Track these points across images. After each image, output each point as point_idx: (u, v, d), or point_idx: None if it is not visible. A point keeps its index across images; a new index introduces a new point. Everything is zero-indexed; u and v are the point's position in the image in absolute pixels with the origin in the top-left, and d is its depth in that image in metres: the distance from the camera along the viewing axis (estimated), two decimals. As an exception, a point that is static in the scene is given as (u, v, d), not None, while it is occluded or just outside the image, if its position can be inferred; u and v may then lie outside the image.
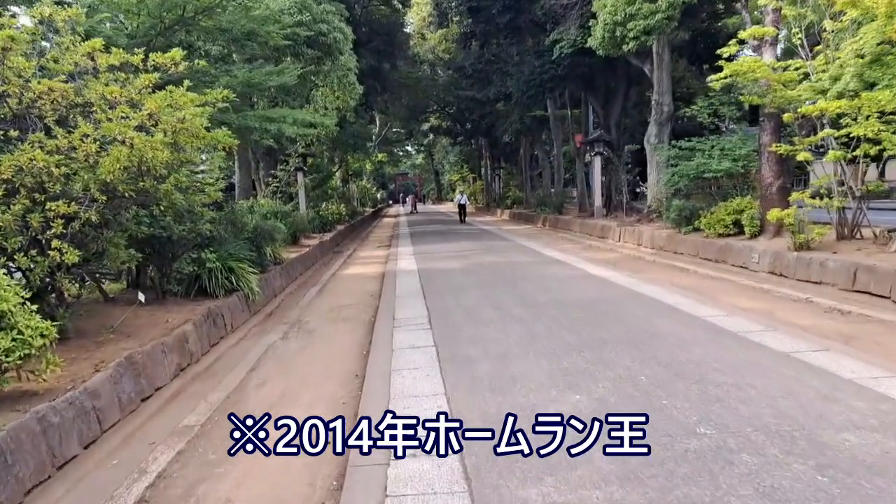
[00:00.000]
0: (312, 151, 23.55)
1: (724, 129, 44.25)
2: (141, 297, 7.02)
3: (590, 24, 17.25)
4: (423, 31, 44.91)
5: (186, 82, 6.21)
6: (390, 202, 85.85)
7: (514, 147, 47.58)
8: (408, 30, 41.17)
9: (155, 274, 8.51)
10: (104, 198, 5.10)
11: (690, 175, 14.75)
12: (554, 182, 33.41)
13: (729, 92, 43.76)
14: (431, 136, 63.81)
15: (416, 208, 62.94)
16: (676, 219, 15.11)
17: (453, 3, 30.85)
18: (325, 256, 17.67)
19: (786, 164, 12.81)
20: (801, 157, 10.89)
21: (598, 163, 23.45)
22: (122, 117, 5.17)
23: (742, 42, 12.56)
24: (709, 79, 12.67)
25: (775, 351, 6.15)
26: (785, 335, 6.75)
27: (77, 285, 6.24)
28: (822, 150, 12.17)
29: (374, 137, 58.45)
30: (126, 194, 5.39)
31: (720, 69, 22.10)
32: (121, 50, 5.57)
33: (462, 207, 34.75)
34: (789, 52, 16.25)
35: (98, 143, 5.06)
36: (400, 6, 33.26)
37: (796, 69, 11.74)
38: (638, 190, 23.70)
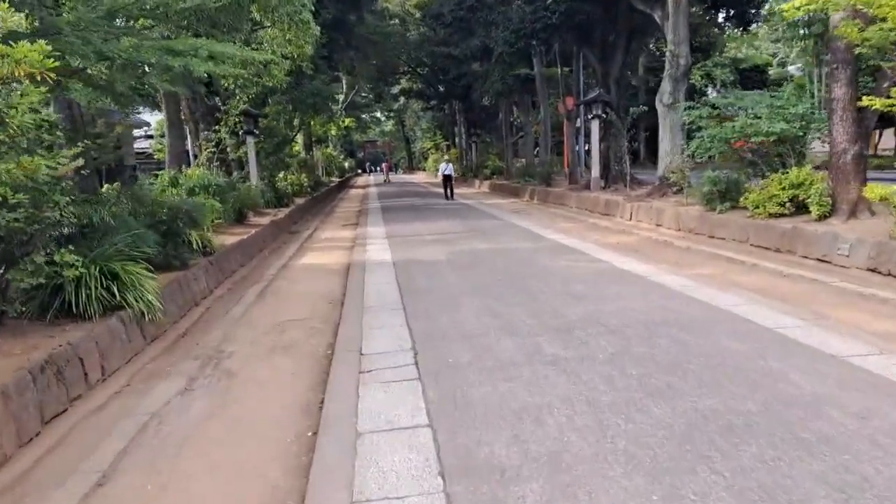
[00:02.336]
0: (263, 112, 20.20)
1: (714, 93, 41.50)
2: None
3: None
4: (392, -17, 41.24)
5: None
6: (359, 171, 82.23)
7: (492, 112, 44.46)
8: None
9: (-20, 288, 5.40)
10: None
11: (733, 138, 11.89)
12: (538, 150, 30.44)
13: (721, 52, 40.20)
14: (402, 100, 60.28)
15: (388, 177, 59.78)
16: (708, 194, 12.30)
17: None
18: (278, 239, 14.55)
19: (864, 125, 10.03)
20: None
21: (595, 127, 20.53)
22: None
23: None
24: (778, 7, 9.70)
25: None
26: None
27: None
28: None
29: (340, 101, 54.75)
30: None
31: (742, 15, 19.30)
32: None
33: (448, 179, 26.96)
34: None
35: None
36: (367, -51, 29.66)
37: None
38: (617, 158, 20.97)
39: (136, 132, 37.70)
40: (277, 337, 6.53)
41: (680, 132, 16.52)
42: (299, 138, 40.93)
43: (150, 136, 36.06)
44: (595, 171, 20.77)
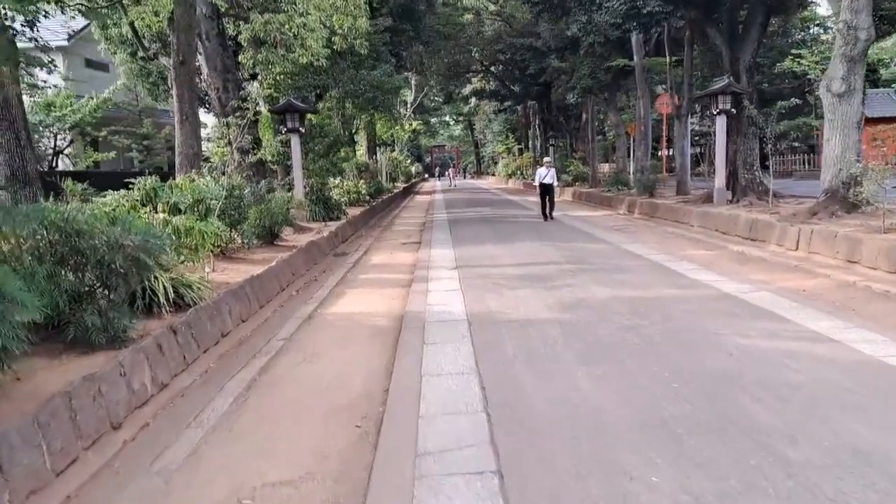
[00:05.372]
0: (314, 107, 16.85)
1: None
2: None
3: None
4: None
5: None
6: (426, 176, 79.30)
7: (572, 113, 40.35)
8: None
9: None
10: None
11: None
12: (634, 155, 26.19)
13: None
14: (473, 100, 56.69)
15: (455, 183, 56.67)
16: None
17: None
18: (315, 267, 11.04)
19: None
20: None
21: (722, 124, 16.33)
22: None
23: None
24: None
25: None
26: None
27: None
28: None
29: (408, 102, 51.65)
30: None
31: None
32: None
33: (547, 191, 18.45)
34: None
35: None
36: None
37: None
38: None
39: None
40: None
41: (856, 130, 12.23)
42: (362, 141, 37.88)
43: (209, 139, 33.71)
44: (720, 179, 16.52)
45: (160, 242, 5.33)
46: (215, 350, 6.08)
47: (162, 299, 5.97)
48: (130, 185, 7.15)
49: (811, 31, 42.29)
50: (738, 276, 8.91)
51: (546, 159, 19.59)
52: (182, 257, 7.31)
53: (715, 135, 17.00)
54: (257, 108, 12.15)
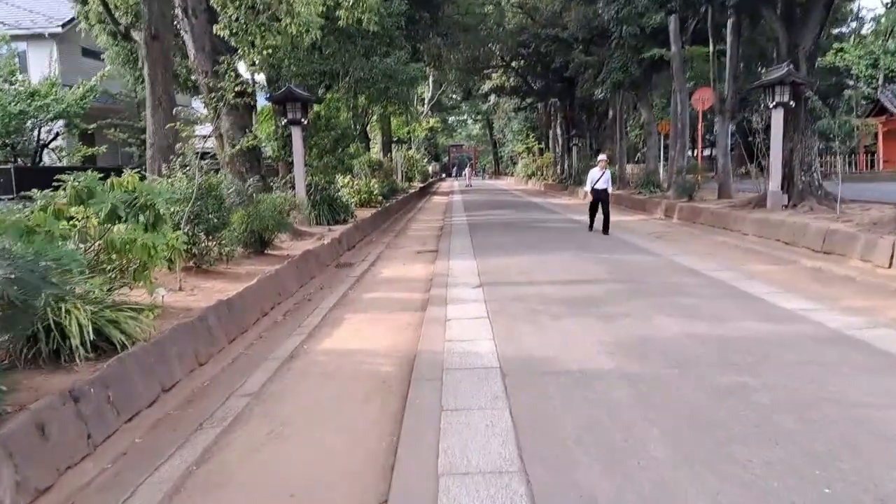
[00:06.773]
0: (319, 96, 15.16)
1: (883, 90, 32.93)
2: None
3: None
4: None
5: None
6: (443, 175, 77.60)
7: (596, 111, 38.42)
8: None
9: None
10: None
11: None
12: (667, 155, 24.25)
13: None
14: (491, 99, 54.83)
15: (471, 182, 55.08)
16: None
17: None
18: (311, 283, 9.32)
19: None
20: None
21: (779, 118, 14.43)
22: None
23: None
24: None
25: None
26: None
27: None
28: None
29: (426, 99, 49.92)
30: None
31: None
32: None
33: (600, 200, 14.57)
34: None
35: None
36: None
37: None
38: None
39: (201, 129, 33.92)
40: None
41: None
42: (376, 138, 36.19)
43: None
44: (774, 181, 14.62)
45: (52, 268, 3.61)
46: (148, 415, 4.35)
47: (76, 342, 4.28)
48: (60, 183, 5.50)
49: (850, 25, 40.01)
50: (832, 303, 7.07)
51: (600, 157, 15.20)
52: (130, 278, 5.64)
53: (763, 131, 15.13)
54: (236, 90, 10.42)
